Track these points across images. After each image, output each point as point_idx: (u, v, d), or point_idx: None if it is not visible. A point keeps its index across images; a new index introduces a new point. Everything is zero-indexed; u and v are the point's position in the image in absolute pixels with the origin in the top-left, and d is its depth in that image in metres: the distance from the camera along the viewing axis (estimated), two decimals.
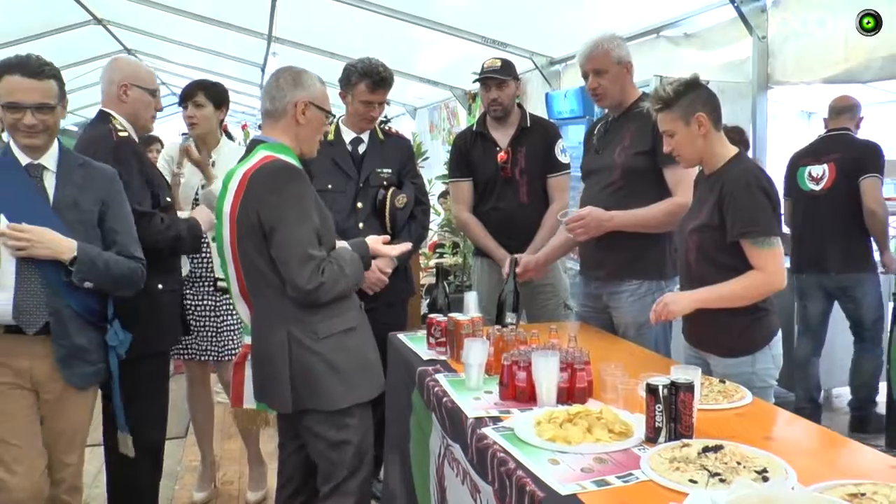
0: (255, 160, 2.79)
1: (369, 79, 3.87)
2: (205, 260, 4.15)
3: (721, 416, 2.46)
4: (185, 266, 4.07)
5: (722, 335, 2.96)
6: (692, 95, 2.91)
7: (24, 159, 2.88)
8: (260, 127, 3.05)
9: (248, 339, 2.99)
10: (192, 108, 4.13)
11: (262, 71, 10.78)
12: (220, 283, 4.13)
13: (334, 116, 2.94)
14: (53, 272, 2.79)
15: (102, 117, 3.41)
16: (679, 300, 2.93)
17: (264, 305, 2.83)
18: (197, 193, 4.15)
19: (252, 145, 2.91)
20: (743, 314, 2.90)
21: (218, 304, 4.19)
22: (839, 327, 5.33)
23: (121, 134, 3.32)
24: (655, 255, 3.53)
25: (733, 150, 2.99)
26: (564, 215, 3.52)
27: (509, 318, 3.50)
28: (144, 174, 3.33)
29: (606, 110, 3.79)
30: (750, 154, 4.91)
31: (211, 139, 4.22)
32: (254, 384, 2.96)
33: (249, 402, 3.03)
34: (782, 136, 7.01)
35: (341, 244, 2.99)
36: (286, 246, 2.67)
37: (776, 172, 6.53)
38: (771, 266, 2.81)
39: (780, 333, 3.01)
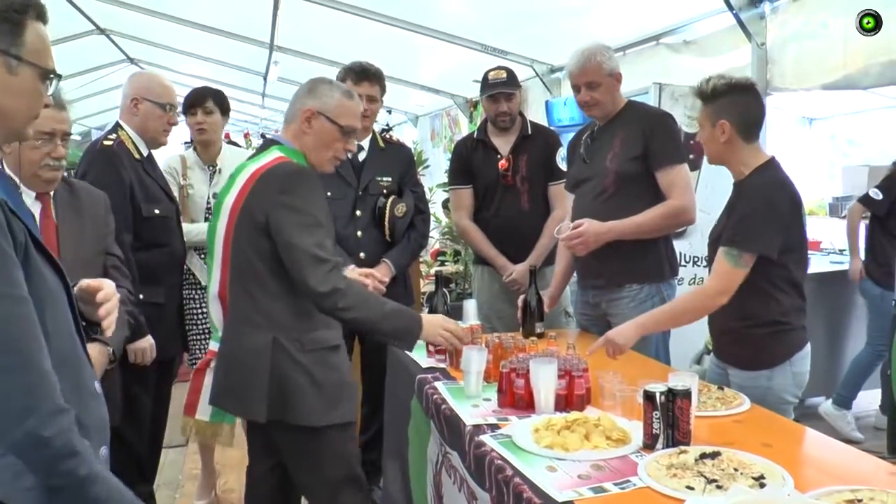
0: (267, 159, 2.74)
1: (353, 72, 3.90)
2: None
3: (719, 422, 2.46)
4: (205, 275, 4.10)
5: (740, 347, 2.92)
6: (728, 100, 2.84)
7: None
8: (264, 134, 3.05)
9: (213, 345, 2.93)
10: (201, 114, 4.13)
11: (264, 80, 10.79)
12: None
13: (349, 132, 2.81)
14: None
15: (113, 128, 3.57)
16: (623, 332, 2.92)
17: (249, 307, 2.72)
18: (209, 202, 4.14)
19: (266, 144, 2.87)
20: (762, 327, 2.86)
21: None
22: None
23: (105, 143, 3.43)
24: (653, 258, 3.53)
25: (763, 158, 2.91)
26: (560, 231, 3.50)
27: (539, 328, 3.52)
28: (122, 185, 3.36)
29: (590, 119, 3.79)
30: None
31: (215, 147, 4.24)
32: (217, 389, 2.83)
33: (203, 414, 2.94)
34: (782, 142, 7.02)
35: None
36: (294, 248, 2.59)
37: None
38: (721, 282, 2.79)
39: (806, 350, 2.92)
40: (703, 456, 2.07)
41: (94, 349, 2.33)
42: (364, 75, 3.91)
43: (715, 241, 2.93)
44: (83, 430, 1.44)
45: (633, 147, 3.44)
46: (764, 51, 4.66)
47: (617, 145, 3.54)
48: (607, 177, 3.53)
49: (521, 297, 3.64)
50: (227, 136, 17.10)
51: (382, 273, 3.74)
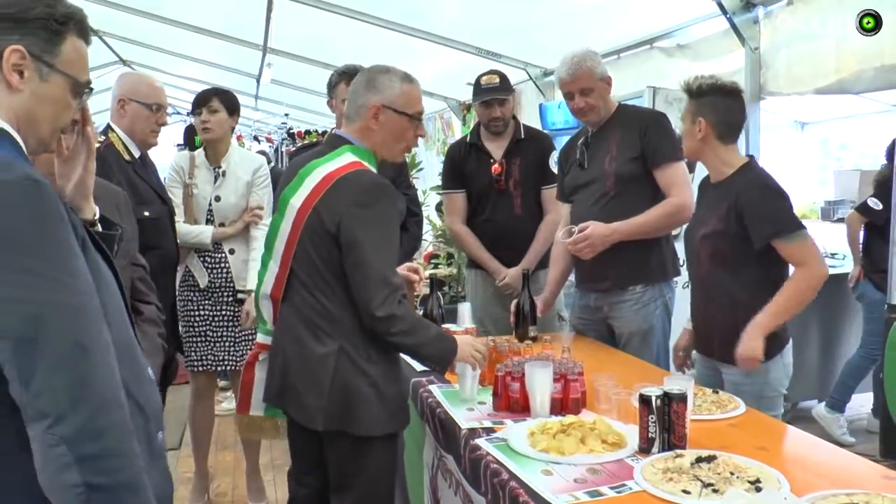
0: (341, 162, 2.61)
1: (346, 75, 3.87)
2: (224, 270, 4.16)
3: (714, 426, 2.47)
4: (204, 277, 4.14)
5: (731, 343, 2.95)
6: (710, 99, 2.97)
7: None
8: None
9: (261, 338, 2.83)
10: (206, 113, 4.10)
11: (257, 82, 10.79)
12: (239, 295, 4.15)
13: (418, 119, 2.73)
14: None
15: (104, 130, 3.54)
16: (752, 345, 2.86)
17: (315, 312, 2.61)
18: (211, 205, 4.14)
19: (335, 141, 2.73)
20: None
21: (236, 314, 4.18)
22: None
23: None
24: (657, 258, 3.56)
25: (743, 160, 3.03)
26: (565, 235, 3.48)
27: (532, 331, 3.53)
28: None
29: (582, 125, 3.79)
30: None
31: (222, 146, 4.19)
32: (274, 389, 2.74)
33: (257, 409, 2.86)
34: (775, 146, 7.04)
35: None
36: (363, 265, 2.49)
37: None
38: (810, 258, 2.86)
39: (791, 342, 3.03)
40: (699, 460, 2.08)
41: None
42: (346, 78, 3.91)
43: (708, 240, 2.97)
44: (143, 416, 1.51)
45: (631, 148, 3.46)
46: (757, 55, 4.68)
47: (614, 148, 3.55)
48: (607, 179, 3.54)
49: (514, 301, 3.64)
50: (240, 137, 17.06)
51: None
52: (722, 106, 2.97)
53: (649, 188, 3.49)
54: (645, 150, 3.45)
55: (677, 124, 3.27)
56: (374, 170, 2.66)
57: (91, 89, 1.62)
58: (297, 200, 2.63)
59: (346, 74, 3.91)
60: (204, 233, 4.09)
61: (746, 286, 2.91)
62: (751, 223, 2.86)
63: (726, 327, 2.96)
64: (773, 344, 2.93)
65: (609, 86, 3.61)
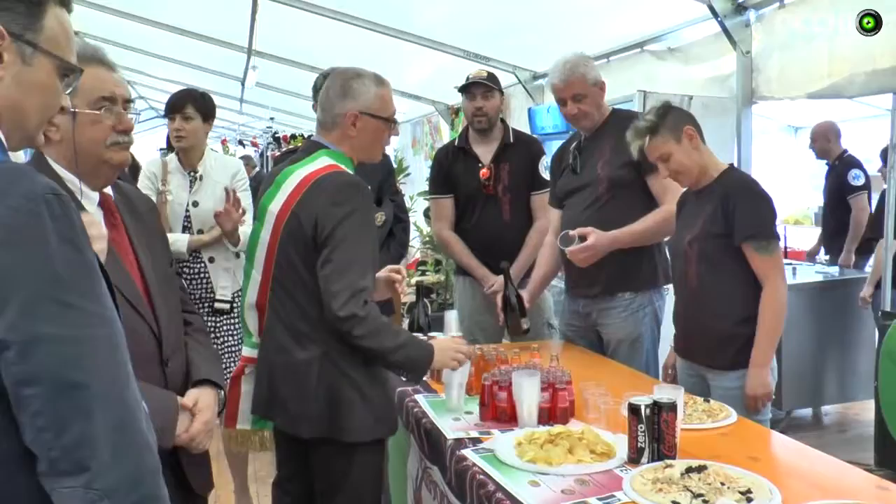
0: (318, 165, 2.64)
1: (323, 79, 3.90)
2: (203, 280, 4.05)
3: (705, 435, 2.46)
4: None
5: (722, 349, 2.99)
6: (673, 115, 3.05)
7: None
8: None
9: (247, 351, 2.82)
10: (179, 120, 3.99)
11: (242, 85, 10.77)
12: (217, 305, 4.05)
13: (395, 122, 2.78)
14: None
15: None
16: (760, 380, 2.91)
17: (298, 318, 2.61)
18: (187, 210, 4.02)
19: (312, 147, 2.75)
20: (743, 326, 2.95)
21: (218, 325, 4.08)
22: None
23: None
24: (648, 265, 3.57)
25: (724, 165, 3.12)
26: (566, 241, 3.45)
27: (525, 323, 3.54)
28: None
29: (574, 130, 3.81)
30: None
31: (196, 153, 4.10)
32: (260, 399, 2.73)
33: (244, 423, 2.83)
34: (768, 151, 7.07)
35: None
36: (329, 262, 2.50)
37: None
38: (775, 274, 2.91)
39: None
40: (690, 470, 2.07)
41: (208, 394, 2.18)
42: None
43: (693, 245, 2.98)
44: None
45: (624, 153, 3.43)
46: (749, 59, 4.70)
47: (607, 152, 3.56)
48: (600, 184, 3.56)
49: (499, 295, 3.65)
50: (224, 141, 16.91)
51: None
52: (683, 113, 3.11)
53: (642, 194, 3.52)
54: (639, 155, 3.45)
55: None
56: (350, 172, 2.68)
57: (81, 71, 1.42)
58: (275, 206, 2.65)
59: (326, 77, 3.90)
60: (179, 241, 3.93)
61: (738, 286, 2.95)
62: (736, 220, 2.91)
63: (716, 330, 3.00)
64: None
65: (603, 91, 3.63)
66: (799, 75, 4.44)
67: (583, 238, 3.40)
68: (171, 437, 2.03)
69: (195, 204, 4.03)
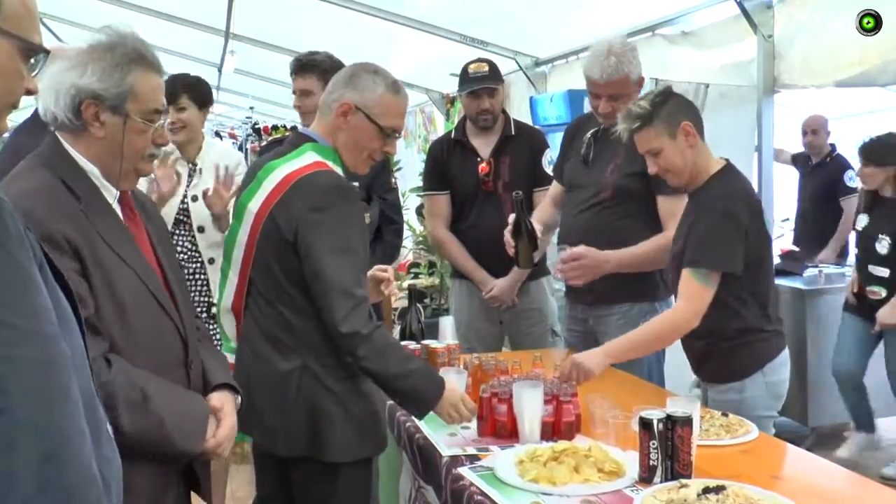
0: (303, 162, 2.61)
1: (302, 65, 3.95)
2: (199, 283, 4.01)
3: (723, 452, 2.47)
4: None
5: (708, 363, 3.03)
6: (671, 105, 2.95)
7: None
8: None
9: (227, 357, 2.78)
10: (173, 112, 3.91)
11: (219, 71, 10.78)
12: (213, 311, 4.04)
13: (389, 134, 2.69)
14: None
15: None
16: (591, 357, 2.94)
17: (277, 325, 2.61)
18: (184, 204, 3.96)
19: (298, 139, 2.73)
20: (725, 341, 2.96)
21: (214, 332, 4.07)
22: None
23: None
24: (647, 277, 3.53)
25: (719, 164, 3.02)
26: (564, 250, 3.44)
27: (536, 256, 3.48)
28: None
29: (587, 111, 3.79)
30: (754, 164, 4.93)
31: (194, 145, 4.07)
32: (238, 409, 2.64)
33: None
34: (791, 144, 7.08)
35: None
36: (321, 276, 2.48)
37: (785, 186, 6.61)
38: (696, 303, 2.87)
39: (782, 358, 3.02)
40: (707, 490, 2.07)
41: (229, 399, 2.22)
42: (303, 68, 3.94)
43: (677, 259, 2.99)
44: (105, 487, 1.27)
45: (638, 163, 3.29)
46: (771, 44, 4.70)
47: (621, 156, 3.48)
48: (606, 189, 3.52)
49: (507, 228, 3.51)
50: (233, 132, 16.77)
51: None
52: (680, 102, 3.01)
53: (646, 208, 3.47)
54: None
55: None
56: (338, 170, 2.65)
57: (47, 53, 1.38)
58: (254, 205, 2.63)
59: (301, 63, 3.91)
60: None
61: (714, 307, 2.89)
62: (688, 241, 2.91)
63: (693, 348, 3.06)
64: (751, 360, 2.97)
65: (641, 87, 3.56)
66: (826, 62, 4.44)
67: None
68: (202, 442, 2.08)
69: (194, 198, 3.99)
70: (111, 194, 2.08)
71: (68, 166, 2.02)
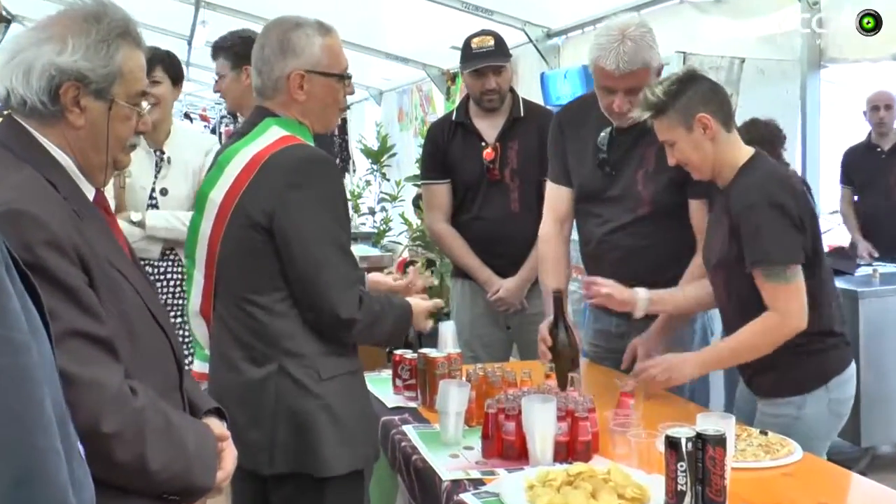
0: (268, 140, 2.61)
1: (223, 48, 4.10)
2: (171, 283, 4.01)
3: (762, 476, 2.47)
4: None
5: (767, 371, 2.97)
6: (689, 94, 2.93)
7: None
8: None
9: (198, 366, 2.86)
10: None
11: (189, 45, 10.79)
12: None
13: (348, 77, 2.77)
14: None
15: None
16: (683, 365, 2.98)
17: (247, 328, 2.62)
18: (153, 198, 3.97)
19: (258, 115, 2.72)
20: (795, 343, 2.88)
21: (187, 338, 4.08)
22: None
23: None
24: None
25: (746, 154, 3.00)
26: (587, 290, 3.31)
27: (576, 376, 3.08)
28: None
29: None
30: (797, 150, 4.93)
31: (164, 126, 4.04)
32: None
33: None
34: (841, 128, 7.06)
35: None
36: (317, 265, 2.51)
37: (833, 172, 6.59)
38: (786, 305, 2.85)
39: (849, 373, 3.00)
40: None
41: (221, 427, 2.17)
42: (211, 53, 4.12)
43: (718, 265, 2.98)
44: None
45: (671, 167, 3.13)
46: (817, 10, 4.68)
47: (652, 161, 3.35)
48: (642, 206, 3.37)
49: (544, 325, 3.35)
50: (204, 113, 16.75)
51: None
52: (705, 89, 2.97)
53: (684, 218, 3.38)
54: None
55: None
56: (309, 142, 2.68)
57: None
58: (217, 194, 2.64)
59: (212, 47, 4.06)
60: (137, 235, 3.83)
61: (755, 309, 2.87)
62: (743, 243, 2.88)
63: (754, 361, 2.98)
64: (813, 372, 2.94)
65: (659, 76, 3.33)
66: (881, 31, 4.42)
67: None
68: (215, 476, 2.03)
69: (164, 192, 3.98)
70: (90, 192, 2.01)
71: (45, 159, 1.90)
